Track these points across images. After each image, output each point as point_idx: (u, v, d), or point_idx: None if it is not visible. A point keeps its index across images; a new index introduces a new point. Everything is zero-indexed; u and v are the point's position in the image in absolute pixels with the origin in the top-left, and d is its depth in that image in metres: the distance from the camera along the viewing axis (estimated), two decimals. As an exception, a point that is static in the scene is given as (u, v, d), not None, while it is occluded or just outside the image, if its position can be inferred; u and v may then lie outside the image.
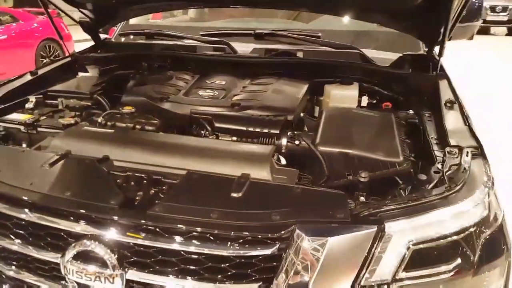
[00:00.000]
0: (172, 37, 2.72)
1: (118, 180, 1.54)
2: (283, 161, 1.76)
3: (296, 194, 1.39)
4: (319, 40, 2.49)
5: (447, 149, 1.50)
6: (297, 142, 1.78)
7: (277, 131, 1.81)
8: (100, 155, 1.60)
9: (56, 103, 2.22)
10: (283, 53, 2.44)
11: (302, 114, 2.14)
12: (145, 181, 1.54)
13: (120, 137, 1.75)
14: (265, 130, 1.82)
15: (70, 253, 1.30)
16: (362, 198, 1.44)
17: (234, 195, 1.35)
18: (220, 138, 1.90)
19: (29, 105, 2.14)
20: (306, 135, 1.83)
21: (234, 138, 1.88)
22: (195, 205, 1.32)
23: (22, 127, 1.98)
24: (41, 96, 2.24)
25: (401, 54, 2.42)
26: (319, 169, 1.66)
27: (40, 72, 2.46)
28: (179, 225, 1.25)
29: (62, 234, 1.35)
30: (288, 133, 1.81)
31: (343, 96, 2.23)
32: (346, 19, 2.70)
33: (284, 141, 1.81)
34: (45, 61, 7.57)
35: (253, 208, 1.31)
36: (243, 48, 2.58)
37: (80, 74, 2.66)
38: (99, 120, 1.94)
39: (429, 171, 1.48)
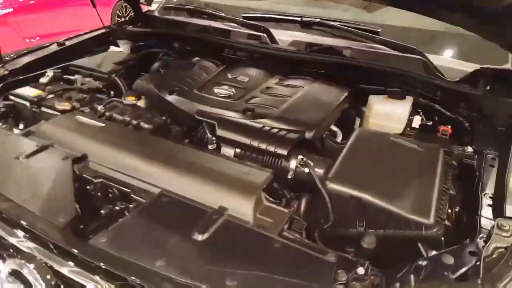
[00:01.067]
0: (211, 16, 2.43)
1: (87, 187, 1.36)
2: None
3: (273, 250, 1.09)
4: (377, 37, 2.04)
5: (499, 220, 1.07)
6: (307, 170, 1.43)
7: (285, 152, 1.47)
8: (82, 151, 1.46)
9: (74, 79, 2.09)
10: (326, 50, 2.03)
11: (335, 128, 1.77)
12: (111, 195, 1.34)
13: (107, 134, 1.55)
14: (272, 149, 1.50)
15: (4, 270, 1.15)
16: (360, 270, 1.08)
17: (196, 237, 1.09)
18: (221, 148, 1.61)
19: (43, 80, 2.03)
20: (322, 161, 1.47)
21: (238, 151, 1.59)
22: (145, 245, 1.08)
23: (28, 104, 1.88)
24: (60, 70, 2.12)
25: (478, 67, 1.89)
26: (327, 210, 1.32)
27: (68, 43, 2.34)
28: (112, 269, 1.02)
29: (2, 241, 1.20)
30: (299, 156, 1.47)
31: (389, 112, 1.80)
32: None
33: (292, 164, 1.48)
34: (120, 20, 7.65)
35: (210, 262, 1.04)
36: (284, 37, 2.21)
37: (112, 48, 2.51)
38: (99, 108, 1.76)
39: (462, 251, 1.07)
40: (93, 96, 1.90)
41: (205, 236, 1.10)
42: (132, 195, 1.31)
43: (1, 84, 1.94)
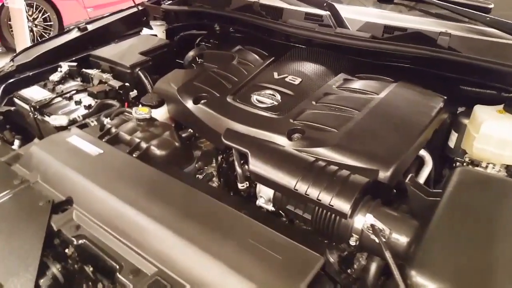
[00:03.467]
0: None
1: (66, 250, 1.00)
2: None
3: None
4: (487, 17, 1.40)
5: None
6: (377, 240, 0.93)
7: (346, 208, 0.98)
8: (68, 192, 1.09)
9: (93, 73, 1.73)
10: (413, 36, 1.44)
11: (423, 152, 1.23)
12: (93, 267, 0.96)
13: (102, 169, 1.15)
14: (326, 199, 1.01)
15: None
16: None
17: None
18: (257, 187, 1.16)
19: (53, 77, 1.68)
20: (403, 224, 0.96)
21: (279, 195, 1.12)
22: None
23: (32, 109, 1.55)
24: (75, 63, 1.76)
25: None
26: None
27: (91, 27, 1.97)
28: None
29: None
30: (368, 219, 0.97)
31: (506, 133, 1.21)
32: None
33: (357, 224, 0.99)
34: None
35: None
36: (354, 15, 1.63)
37: (144, 31, 2.10)
38: (105, 122, 1.37)
39: None
40: (102, 102, 1.51)
41: None
42: (118, 276, 0.91)
43: (4, 84, 1.62)
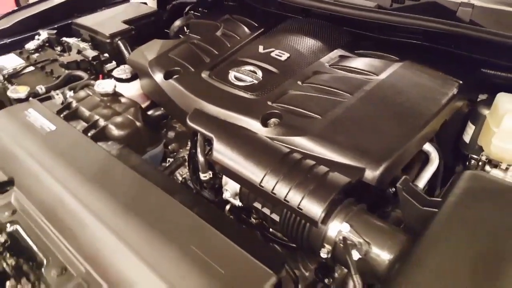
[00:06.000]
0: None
1: None
2: None
3: None
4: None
5: None
6: (355, 255, 0.75)
7: (316, 214, 0.80)
8: (12, 171, 0.98)
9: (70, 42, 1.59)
10: (427, 7, 1.19)
11: (429, 147, 1.02)
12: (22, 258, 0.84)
13: (51, 147, 1.02)
14: (294, 201, 0.83)
15: None
16: None
17: None
18: (222, 179, 0.99)
19: (30, 45, 1.55)
20: (387, 237, 0.78)
21: (245, 191, 0.95)
22: None
23: (2, 78, 1.42)
24: (55, 31, 1.62)
25: None
26: None
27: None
28: None
29: None
30: (343, 230, 0.78)
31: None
32: None
33: (333, 231, 0.81)
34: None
35: None
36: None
37: (135, -1, 1.93)
38: (68, 96, 1.23)
39: None
40: (70, 74, 1.36)
41: None
42: (42, 271, 0.78)
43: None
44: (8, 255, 0.87)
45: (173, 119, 1.32)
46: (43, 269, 0.80)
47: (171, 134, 1.30)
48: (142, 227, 0.80)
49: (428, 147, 1.05)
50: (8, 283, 0.83)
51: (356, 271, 0.69)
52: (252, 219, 1.06)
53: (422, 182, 1.02)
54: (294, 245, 0.98)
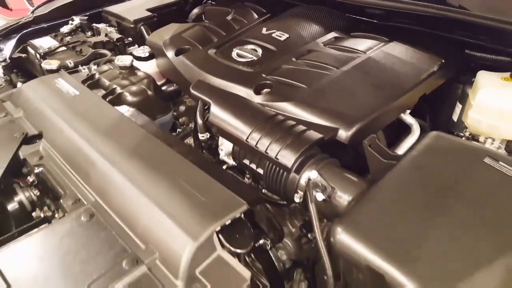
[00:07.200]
0: None
1: (29, 177, 1.03)
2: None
3: None
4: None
5: None
6: (320, 197, 0.86)
7: (289, 162, 0.92)
8: (42, 127, 1.17)
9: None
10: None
11: (410, 119, 1.11)
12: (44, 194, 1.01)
13: (75, 108, 1.18)
14: (272, 153, 0.95)
15: None
16: None
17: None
18: (219, 140, 1.12)
19: (64, 29, 1.75)
20: (350, 184, 0.88)
21: (237, 149, 1.08)
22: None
23: (38, 56, 1.62)
24: (86, 18, 1.81)
25: None
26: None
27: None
28: None
29: None
30: (311, 173, 0.89)
31: (506, 104, 1.05)
32: None
33: (304, 179, 0.92)
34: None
35: None
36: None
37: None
38: (92, 69, 1.40)
39: None
40: (96, 52, 1.54)
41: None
42: (61, 201, 0.94)
43: (20, 34, 1.71)
44: (36, 191, 1.05)
45: (185, 95, 1.47)
46: (61, 200, 0.96)
47: (182, 108, 1.44)
48: (143, 168, 0.94)
49: (410, 120, 1.14)
50: (34, 213, 1.00)
51: (313, 200, 0.81)
52: (246, 178, 1.18)
53: (401, 150, 1.11)
54: (283, 202, 1.09)
